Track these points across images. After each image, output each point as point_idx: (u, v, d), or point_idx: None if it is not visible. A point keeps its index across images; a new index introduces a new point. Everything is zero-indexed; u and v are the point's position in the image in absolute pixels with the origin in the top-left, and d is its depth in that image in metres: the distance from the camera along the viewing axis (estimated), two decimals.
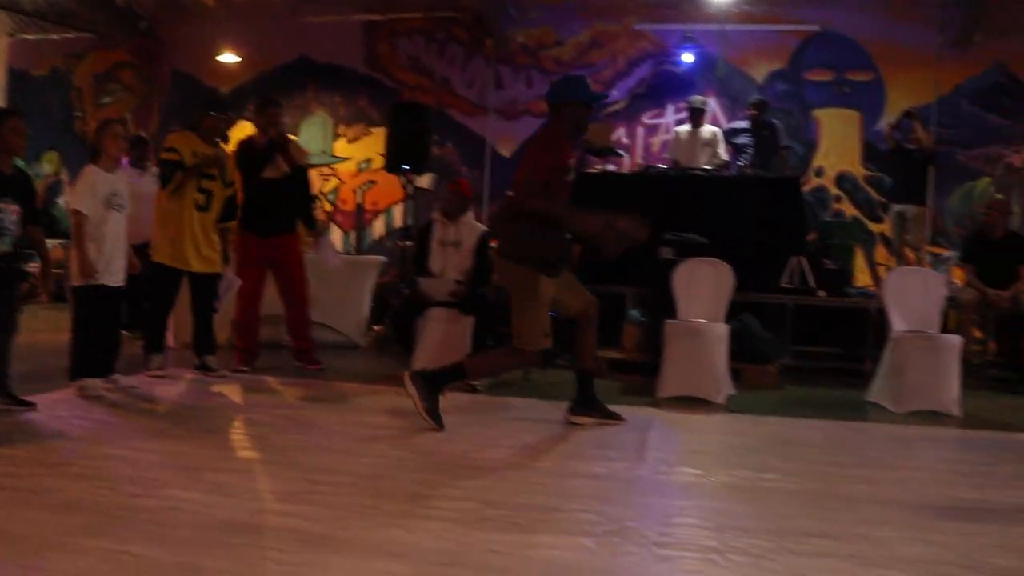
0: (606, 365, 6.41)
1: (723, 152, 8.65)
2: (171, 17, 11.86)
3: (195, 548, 2.56)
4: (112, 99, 12.46)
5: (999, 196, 9.12)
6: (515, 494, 3.25)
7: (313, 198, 6.90)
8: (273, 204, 6.07)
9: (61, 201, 12.01)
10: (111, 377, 5.13)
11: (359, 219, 11.59)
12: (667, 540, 2.81)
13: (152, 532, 2.69)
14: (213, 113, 5.83)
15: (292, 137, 6.50)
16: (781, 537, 2.88)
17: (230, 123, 6.03)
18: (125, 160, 6.42)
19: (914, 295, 6.02)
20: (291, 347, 6.44)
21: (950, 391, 5.54)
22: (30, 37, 12.44)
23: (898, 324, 5.91)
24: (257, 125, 6.22)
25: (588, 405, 4.76)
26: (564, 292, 4.68)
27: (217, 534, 2.68)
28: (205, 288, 5.86)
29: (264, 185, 6.03)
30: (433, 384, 4.41)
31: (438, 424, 4.32)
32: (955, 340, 5.68)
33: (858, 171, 10.49)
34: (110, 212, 4.95)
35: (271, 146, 6.03)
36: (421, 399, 4.34)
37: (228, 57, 11.48)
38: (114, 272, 5.03)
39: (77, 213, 4.86)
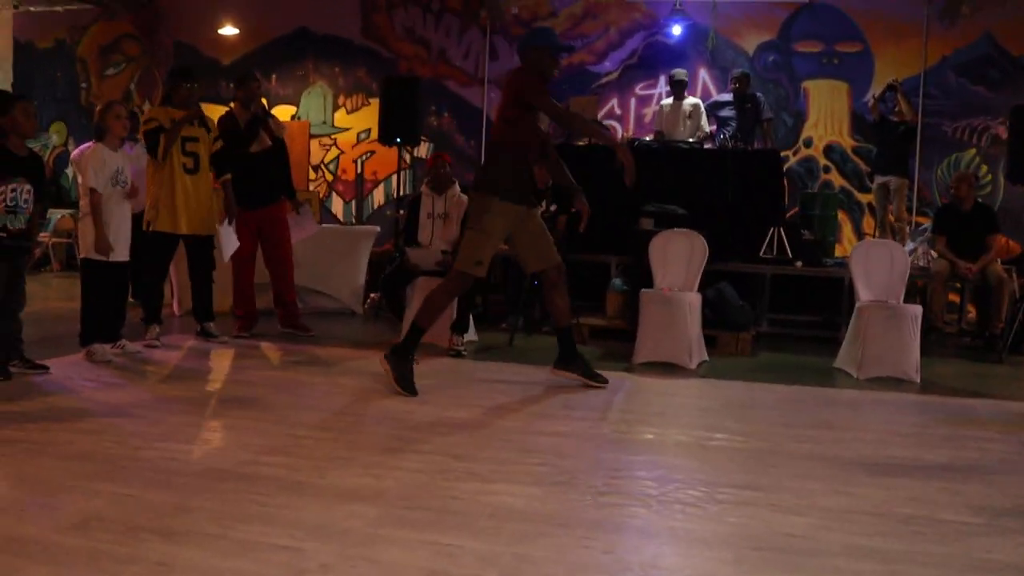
0: (586, 332, 6.75)
1: (705, 124, 8.90)
2: None
3: (188, 492, 2.92)
4: (116, 71, 12.72)
5: (966, 170, 9.45)
6: (479, 449, 3.60)
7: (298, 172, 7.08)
8: (260, 177, 6.37)
9: (69, 171, 12.33)
10: (118, 343, 5.49)
11: (359, 189, 11.90)
12: (610, 490, 3.15)
13: (152, 478, 3.05)
14: (185, 83, 6.00)
15: (289, 121, 6.79)
16: (714, 488, 3.21)
17: (201, 91, 6.26)
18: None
19: (880, 266, 6.29)
20: (279, 314, 6.75)
21: (910, 358, 5.84)
22: (34, 9, 12.67)
23: (864, 294, 6.21)
24: (238, 99, 6.48)
25: (568, 361, 5.03)
26: (526, 246, 4.94)
27: (208, 481, 3.04)
28: (200, 252, 6.13)
29: (250, 159, 6.33)
30: (401, 353, 4.70)
31: (411, 392, 4.60)
32: (915, 309, 5.96)
33: (846, 142, 10.72)
34: (115, 189, 5.28)
35: (256, 121, 6.33)
36: (392, 370, 4.64)
37: (228, 29, 11.72)
38: (121, 247, 5.36)
39: (93, 192, 5.18)
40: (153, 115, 6.01)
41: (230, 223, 6.22)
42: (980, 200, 8.38)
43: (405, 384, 4.63)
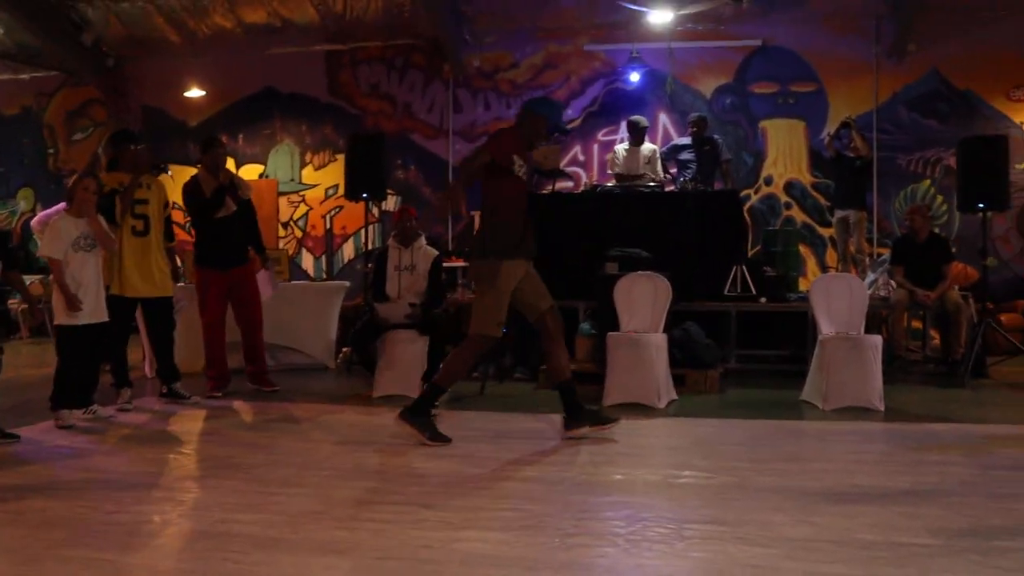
0: None
1: (661, 169, 9.11)
2: (137, 53, 12.26)
3: (163, 553, 2.97)
4: (84, 135, 12.83)
5: (919, 202, 9.75)
6: (451, 498, 3.67)
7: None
8: (226, 240, 6.51)
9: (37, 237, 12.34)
10: (90, 408, 5.51)
11: (328, 244, 12.00)
12: (579, 531, 3.22)
13: (127, 542, 3.08)
14: (131, 146, 6.08)
15: (257, 180, 6.92)
16: (680, 524, 3.29)
17: (148, 151, 6.32)
18: None
19: (840, 300, 6.45)
20: (247, 371, 6.84)
21: (873, 387, 5.97)
22: (0, 78, 12.78)
23: (825, 327, 6.35)
24: (204, 165, 6.59)
25: (577, 416, 4.87)
26: (528, 295, 4.89)
27: (183, 541, 3.09)
28: (157, 313, 6.21)
29: (217, 224, 6.47)
30: (420, 411, 4.73)
31: (443, 441, 4.68)
32: (875, 340, 6.11)
33: (806, 178, 11.00)
34: (77, 254, 5.30)
35: (221, 191, 6.42)
36: (419, 432, 4.67)
37: (195, 91, 11.85)
38: (88, 310, 5.35)
39: (51, 259, 5.23)
40: (103, 181, 5.96)
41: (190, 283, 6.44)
42: (935, 230, 8.63)
43: (435, 436, 4.69)
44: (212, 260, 6.50)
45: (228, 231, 6.51)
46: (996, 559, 2.90)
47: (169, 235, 6.37)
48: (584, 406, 4.93)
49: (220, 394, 6.48)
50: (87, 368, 5.50)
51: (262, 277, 6.95)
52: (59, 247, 5.26)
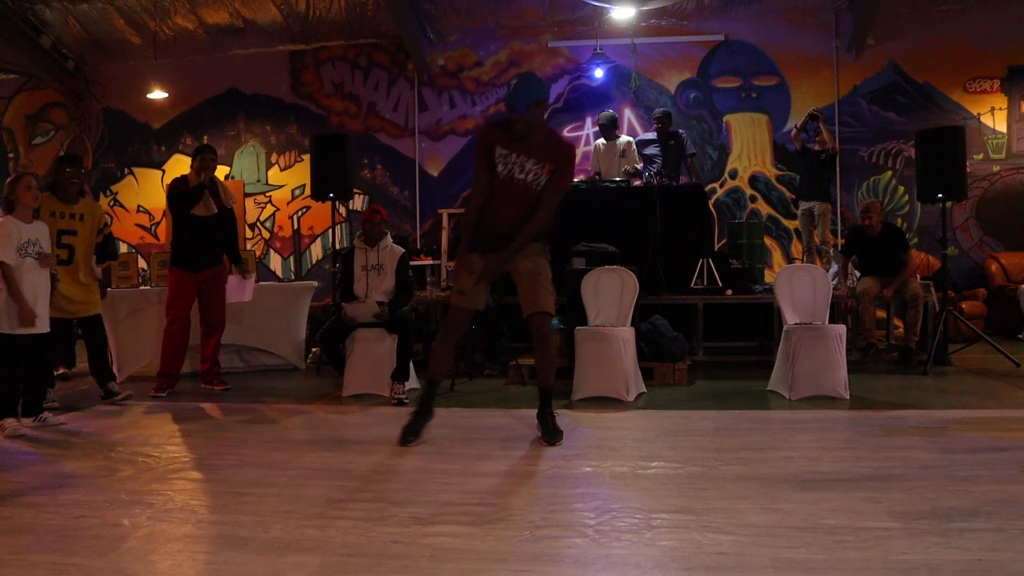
0: (526, 372, 6.87)
1: (636, 157, 9.22)
2: (98, 56, 12.13)
3: (134, 557, 2.95)
4: (45, 139, 12.67)
5: (872, 198, 9.94)
6: (420, 493, 3.68)
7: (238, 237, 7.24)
8: (201, 240, 6.60)
9: None
10: (39, 416, 5.42)
11: (296, 244, 11.95)
12: (547, 523, 3.25)
13: (96, 546, 3.06)
14: (68, 169, 5.99)
15: (224, 182, 6.98)
16: (648, 515, 3.34)
17: (85, 177, 6.30)
18: None
19: (803, 290, 6.55)
20: (201, 369, 6.91)
21: (838, 376, 6.07)
22: None
23: (790, 317, 6.44)
24: (193, 167, 6.68)
25: (540, 420, 4.81)
26: (520, 292, 4.88)
27: (153, 543, 3.07)
28: (91, 329, 6.26)
29: (193, 222, 6.57)
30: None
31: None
32: (839, 329, 6.20)
33: (770, 171, 11.14)
34: (27, 260, 5.20)
35: (200, 188, 6.53)
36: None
37: (158, 94, 11.74)
38: (40, 318, 5.24)
39: (2, 264, 5.10)
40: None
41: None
42: (890, 221, 8.75)
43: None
44: (184, 261, 6.61)
45: (203, 233, 6.62)
46: (954, 539, 2.97)
47: (105, 255, 6.56)
48: (547, 418, 4.79)
49: (164, 394, 6.55)
50: (33, 376, 5.39)
51: (236, 283, 7.03)
52: (10, 252, 5.12)
